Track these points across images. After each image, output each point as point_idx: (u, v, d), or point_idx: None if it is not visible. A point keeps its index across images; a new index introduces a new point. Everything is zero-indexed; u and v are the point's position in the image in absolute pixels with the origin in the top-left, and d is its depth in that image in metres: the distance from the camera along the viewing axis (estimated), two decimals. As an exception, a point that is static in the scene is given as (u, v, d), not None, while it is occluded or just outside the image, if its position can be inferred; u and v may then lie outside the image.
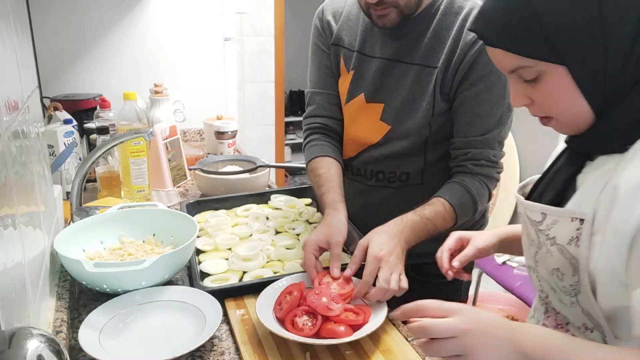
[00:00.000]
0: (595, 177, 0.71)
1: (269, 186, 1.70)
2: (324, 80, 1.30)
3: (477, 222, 1.30)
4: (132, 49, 2.18)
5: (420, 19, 1.13)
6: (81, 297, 1.06)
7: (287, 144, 4.56)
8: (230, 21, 2.34)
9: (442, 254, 0.97)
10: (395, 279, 0.96)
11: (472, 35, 1.07)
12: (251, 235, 1.28)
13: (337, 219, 1.09)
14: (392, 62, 1.17)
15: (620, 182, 0.64)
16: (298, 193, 1.49)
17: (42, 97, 1.86)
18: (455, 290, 1.33)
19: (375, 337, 0.92)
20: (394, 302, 1.13)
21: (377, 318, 0.93)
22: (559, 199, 0.75)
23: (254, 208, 1.43)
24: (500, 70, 0.75)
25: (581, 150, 0.76)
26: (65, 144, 1.55)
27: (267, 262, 1.16)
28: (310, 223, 1.34)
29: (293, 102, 5.26)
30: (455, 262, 0.94)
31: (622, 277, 0.65)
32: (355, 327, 0.91)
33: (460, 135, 1.15)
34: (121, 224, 1.19)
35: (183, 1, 2.21)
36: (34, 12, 1.97)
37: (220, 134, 1.97)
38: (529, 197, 0.82)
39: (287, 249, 1.20)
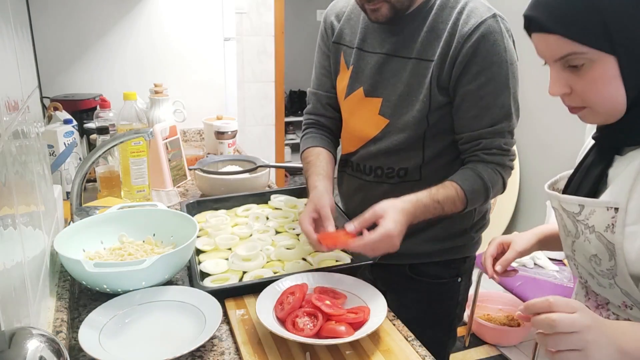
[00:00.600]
0: (628, 171, 0.75)
1: (269, 186, 1.71)
2: (320, 80, 1.36)
3: (478, 223, 1.29)
4: (132, 49, 2.18)
5: (417, 14, 1.14)
6: (81, 297, 1.07)
7: (287, 144, 4.56)
8: (230, 21, 2.34)
9: (486, 260, 1.03)
10: None
11: (468, 27, 1.08)
12: (251, 235, 1.28)
13: (317, 193, 1.14)
14: (390, 56, 1.18)
15: None
16: (298, 193, 1.50)
17: (42, 97, 1.86)
18: (454, 290, 1.33)
19: (375, 337, 0.92)
20: (392, 302, 1.14)
21: (377, 317, 0.93)
22: (593, 192, 0.80)
23: (254, 208, 1.43)
24: (545, 58, 0.77)
25: (610, 144, 0.79)
26: (65, 144, 1.55)
27: (267, 262, 1.16)
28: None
29: (293, 102, 5.26)
30: (498, 267, 1.00)
31: None
32: (356, 326, 0.91)
33: (468, 129, 1.15)
34: (121, 224, 1.19)
35: (183, 1, 2.21)
36: (34, 12, 1.97)
37: (220, 134, 1.97)
38: (564, 192, 0.86)
39: (287, 249, 1.20)
